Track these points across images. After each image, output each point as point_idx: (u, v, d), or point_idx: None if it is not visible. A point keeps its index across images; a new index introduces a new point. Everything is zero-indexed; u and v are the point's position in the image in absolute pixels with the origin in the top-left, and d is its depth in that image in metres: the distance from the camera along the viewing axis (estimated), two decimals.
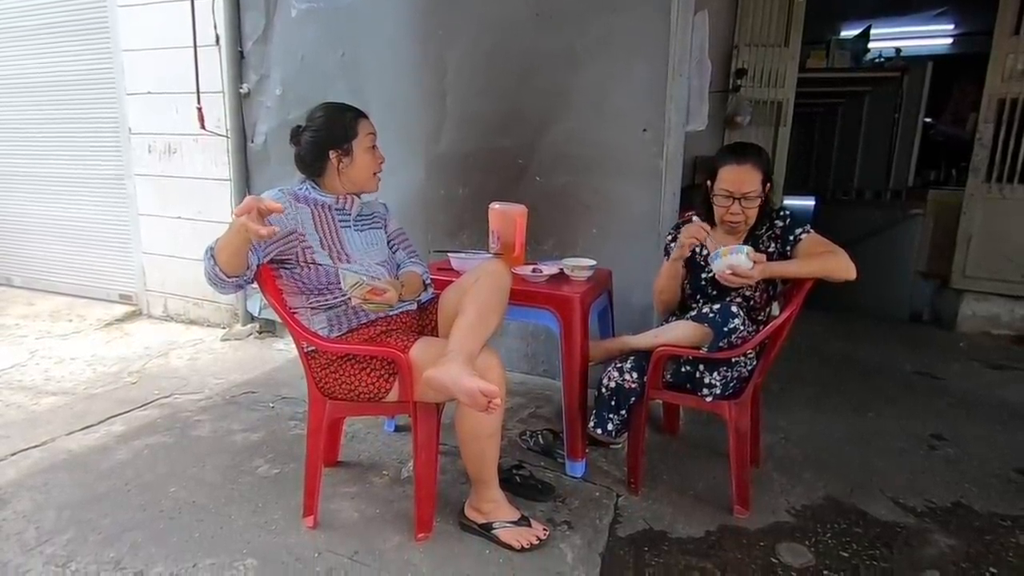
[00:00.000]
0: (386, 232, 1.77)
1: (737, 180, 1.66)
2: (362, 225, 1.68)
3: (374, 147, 1.64)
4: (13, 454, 1.94)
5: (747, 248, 1.59)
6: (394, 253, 1.77)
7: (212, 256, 1.38)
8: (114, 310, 3.56)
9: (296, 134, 1.61)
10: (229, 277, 1.39)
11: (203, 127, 3.04)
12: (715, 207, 1.74)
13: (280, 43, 2.87)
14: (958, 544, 1.57)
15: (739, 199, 1.66)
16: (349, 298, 1.50)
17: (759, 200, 1.68)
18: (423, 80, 2.60)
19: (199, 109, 3.01)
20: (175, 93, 3.12)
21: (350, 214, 1.64)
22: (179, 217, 3.29)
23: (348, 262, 1.57)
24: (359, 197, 1.66)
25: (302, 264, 1.52)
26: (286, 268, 1.54)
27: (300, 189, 1.62)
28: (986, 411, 2.42)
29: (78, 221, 3.72)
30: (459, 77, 2.56)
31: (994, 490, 1.84)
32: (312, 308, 1.56)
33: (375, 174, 1.65)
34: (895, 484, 1.85)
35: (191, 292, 3.39)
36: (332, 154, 1.57)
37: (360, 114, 1.63)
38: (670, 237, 1.90)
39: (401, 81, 2.66)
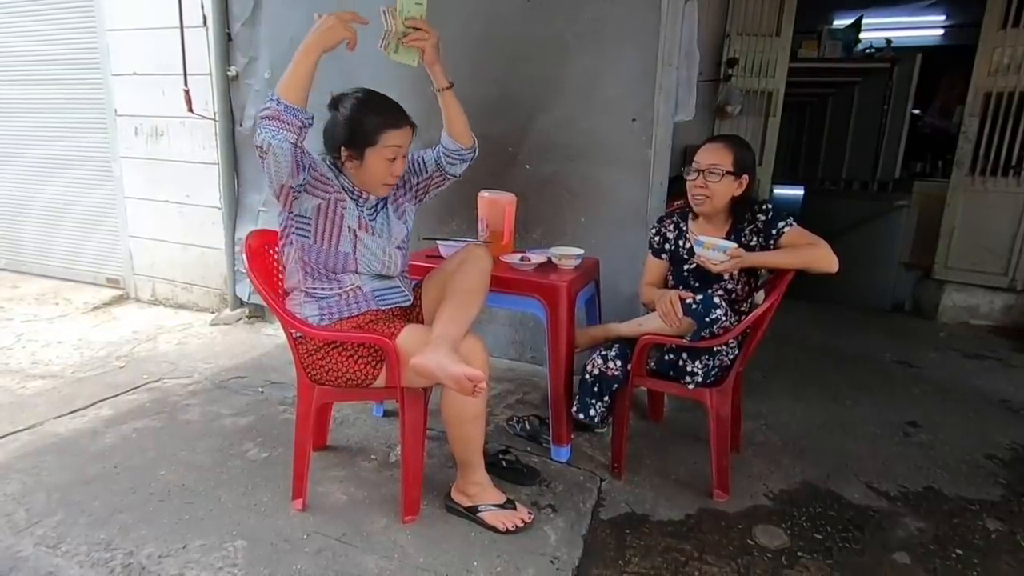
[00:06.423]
0: (404, 187, 1.72)
1: (703, 154, 1.74)
2: (378, 208, 1.66)
3: (395, 159, 1.53)
4: (1, 437, 1.94)
5: (732, 245, 1.65)
6: (425, 163, 1.76)
7: (275, 98, 1.36)
8: (101, 294, 3.53)
9: (333, 105, 1.56)
10: (295, 107, 1.36)
11: (190, 110, 3.01)
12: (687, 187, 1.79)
13: (269, 25, 2.84)
14: (927, 527, 1.63)
15: (703, 171, 1.71)
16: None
17: (722, 179, 1.69)
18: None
19: (186, 91, 2.98)
20: (162, 75, 3.07)
21: (363, 206, 1.61)
22: (167, 200, 3.27)
23: (371, 233, 1.58)
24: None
25: (325, 222, 1.51)
26: (301, 231, 1.51)
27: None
28: (961, 399, 2.49)
29: (63, 203, 3.67)
30: (449, 62, 2.53)
31: (964, 475, 1.90)
32: (307, 293, 1.57)
33: (384, 184, 1.57)
34: (870, 469, 1.91)
35: (179, 276, 3.37)
36: (344, 151, 1.53)
37: (390, 124, 1.51)
38: (654, 231, 1.93)
39: (391, 65, 2.62)
